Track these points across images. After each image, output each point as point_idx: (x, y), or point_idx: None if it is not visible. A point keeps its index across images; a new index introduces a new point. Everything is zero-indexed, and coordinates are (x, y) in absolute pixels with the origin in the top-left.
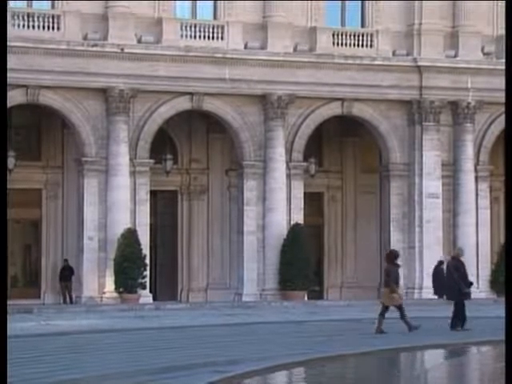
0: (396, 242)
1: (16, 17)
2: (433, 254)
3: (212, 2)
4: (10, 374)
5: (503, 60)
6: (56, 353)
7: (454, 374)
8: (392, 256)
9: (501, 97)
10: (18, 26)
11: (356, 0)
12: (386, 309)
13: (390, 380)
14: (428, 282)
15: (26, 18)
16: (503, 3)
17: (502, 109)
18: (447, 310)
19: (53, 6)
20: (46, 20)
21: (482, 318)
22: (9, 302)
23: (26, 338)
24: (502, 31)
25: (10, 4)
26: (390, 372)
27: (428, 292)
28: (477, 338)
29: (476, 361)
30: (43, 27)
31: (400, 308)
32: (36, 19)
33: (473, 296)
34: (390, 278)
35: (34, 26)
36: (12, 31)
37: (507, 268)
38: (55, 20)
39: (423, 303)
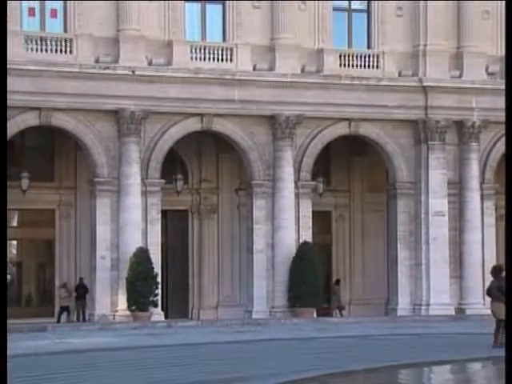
0: (403, 259)
1: (29, 40)
2: (439, 270)
3: (221, 25)
4: None
5: (501, 78)
6: (68, 371)
7: None
8: (497, 270)
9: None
10: (32, 49)
11: (363, 15)
12: (500, 322)
13: None
14: (435, 299)
15: (39, 41)
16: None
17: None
18: (458, 326)
19: (65, 30)
20: (58, 43)
21: (491, 334)
22: (23, 321)
23: (39, 356)
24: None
25: (24, 28)
26: None
27: (435, 308)
28: (486, 353)
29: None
30: (56, 50)
31: (500, 322)
32: (49, 43)
33: (478, 312)
34: (502, 291)
35: (46, 50)
36: (25, 54)
37: (507, 274)
38: (68, 43)
39: (432, 320)
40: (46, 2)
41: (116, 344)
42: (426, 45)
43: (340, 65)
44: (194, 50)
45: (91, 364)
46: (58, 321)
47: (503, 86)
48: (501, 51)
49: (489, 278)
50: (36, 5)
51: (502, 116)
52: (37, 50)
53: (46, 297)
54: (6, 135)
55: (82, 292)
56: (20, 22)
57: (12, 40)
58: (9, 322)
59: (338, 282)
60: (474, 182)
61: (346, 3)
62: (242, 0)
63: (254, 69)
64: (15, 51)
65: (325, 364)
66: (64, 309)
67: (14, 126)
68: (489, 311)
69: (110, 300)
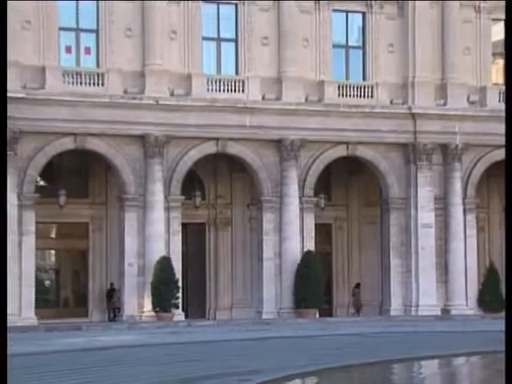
0: (395, 266)
1: (66, 75)
2: (427, 276)
3: (234, 60)
4: None
5: (487, 108)
6: (99, 365)
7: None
8: None
9: (485, 139)
10: (68, 82)
11: (358, 50)
12: None
13: None
14: (424, 301)
15: (75, 75)
16: (487, 57)
17: (486, 150)
18: (444, 325)
19: (98, 65)
20: (92, 77)
21: (473, 332)
22: (60, 321)
23: (75, 352)
24: (485, 82)
25: (62, 63)
26: (390, 379)
27: (423, 309)
28: (469, 349)
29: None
30: (90, 83)
31: None
32: (83, 76)
33: (462, 312)
34: None
35: (81, 83)
36: (63, 87)
37: (507, 274)
38: (100, 77)
39: (421, 319)
40: (81, 41)
41: (142, 341)
42: (414, 77)
43: (339, 95)
44: (210, 82)
45: (120, 359)
46: (112, 319)
47: (483, 113)
48: (480, 82)
49: (471, 282)
50: (72, 43)
51: (481, 139)
52: (73, 82)
53: (80, 299)
54: (6, 136)
55: (113, 296)
56: (58, 59)
57: (51, 74)
58: (48, 321)
59: (358, 285)
60: (457, 198)
61: (344, 40)
62: (252, 38)
63: (263, 98)
64: (54, 84)
65: (327, 359)
66: (115, 309)
67: (52, 149)
68: (471, 312)
69: (137, 302)
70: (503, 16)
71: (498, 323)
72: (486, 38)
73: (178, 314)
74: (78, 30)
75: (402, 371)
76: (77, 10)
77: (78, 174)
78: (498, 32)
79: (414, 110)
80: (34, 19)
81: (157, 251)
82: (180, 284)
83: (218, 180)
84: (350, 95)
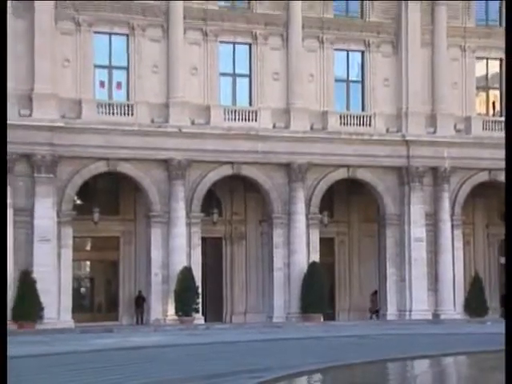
0: (391, 275)
1: (100, 106)
2: (419, 284)
3: (248, 93)
4: (88, 381)
5: (471, 135)
6: (131, 363)
7: (439, 379)
8: None
9: (470, 163)
10: (102, 113)
11: (357, 84)
12: None
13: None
14: (416, 307)
15: (107, 107)
16: (471, 91)
17: (471, 173)
18: (434, 328)
19: (128, 98)
20: (122, 108)
21: (460, 334)
22: (94, 324)
23: (107, 352)
24: (470, 113)
25: (96, 96)
26: (388, 376)
27: (416, 314)
28: (457, 349)
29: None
30: (121, 114)
31: None
32: (115, 108)
33: (450, 317)
34: None
35: (113, 113)
36: (97, 117)
37: (507, 275)
38: (129, 108)
39: (414, 323)
40: (113, 77)
41: (166, 342)
42: (407, 108)
43: (340, 123)
44: (226, 113)
45: (148, 358)
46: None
47: (468, 140)
48: (465, 113)
49: (458, 290)
50: (105, 79)
51: (467, 163)
52: (106, 113)
53: (112, 305)
54: (6, 138)
55: (141, 302)
56: (93, 92)
57: (87, 106)
58: (83, 324)
59: (375, 292)
60: (445, 215)
61: (345, 75)
62: (264, 74)
63: (274, 127)
64: (89, 115)
65: (331, 358)
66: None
67: (88, 172)
68: (458, 316)
69: (162, 307)
70: (486, 54)
71: (482, 326)
72: (471, 74)
73: (198, 318)
74: (110, 67)
75: (398, 369)
76: (110, 49)
77: (110, 193)
78: (481, 68)
79: (407, 138)
80: (72, 57)
81: (179, 262)
82: (200, 291)
83: (234, 199)
84: (350, 124)
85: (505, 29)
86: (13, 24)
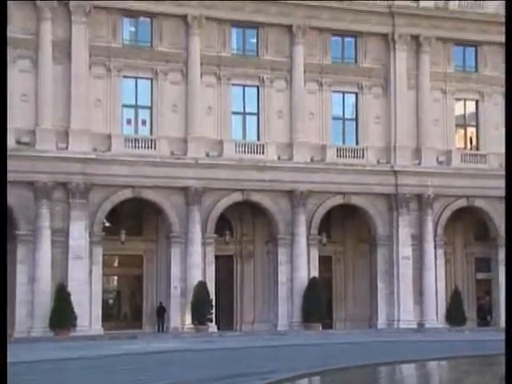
0: (381, 289)
1: (127, 140)
2: (406, 297)
3: (256, 129)
4: (119, 381)
5: (451, 166)
6: (152, 366)
7: (423, 381)
8: None
9: (450, 191)
10: (129, 146)
11: (352, 121)
12: None
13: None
14: (403, 317)
15: (133, 141)
16: (451, 128)
17: (451, 199)
18: (419, 335)
19: (151, 133)
20: (146, 142)
21: (442, 341)
22: (120, 331)
23: (131, 356)
24: (450, 147)
25: (124, 132)
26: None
27: (403, 323)
28: (440, 355)
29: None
30: (145, 147)
31: None
32: (140, 142)
33: (433, 326)
34: None
35: (138, 147)
36: (124, 150)
37: (507, 276)
38: (152, 142)
39: (401, 333)
40: (139, 115)
41: (184, 348)
42: (395, 142)
43: (337, 156)
44: (237, 146)
45: (168, 361)
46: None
47: (449, 171)
48: (446, 147)
49: (440, 303)
50: (132, 116)
51: (448, 191)
52: (132, 146)
53: (136, 314)
54: (6, 142)
55: (162, 312)
56: (121, 128)
57: (115, 140)
58: (111, 332)
59: None
60: (429, 237)
61: (341, 114)
62: (270, 112)
63: (279, 158)
64: (118, 148)
65: (329, 362)
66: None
67: (116, 198)
68: (440, 325)
69: (180, 317)
70: (463, 96)
71: (461, 335)
72: (451, 113)
73: (212, 327)
74: (136, 107)
75: (387, 371)
76: (136, 91)
77: (135, 217)
78: (460, 108)
79: (395, 168)
80: (103, 98)
81: (195, 277)
82: (213, 303)
83: (243, 222)
84: (345, 156)
85: (505, 31)
86: (53, 70)
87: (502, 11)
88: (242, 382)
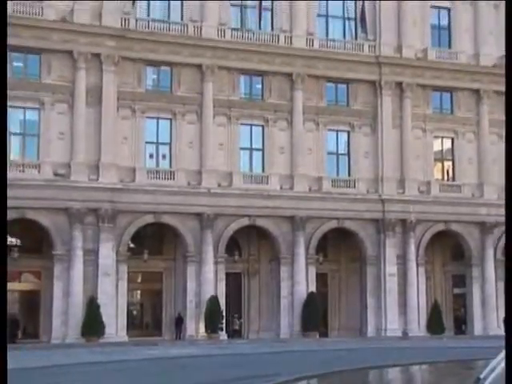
0: (370, 303)
1: (150, 173)
2: (392, 309)
3: (261, 163)
4: (142, 382)
5: (431, 195)
6: (170, 369)
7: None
8: None
9: (430, 217)
10: (151, 177)
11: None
12: None
13: None
14: (390, 326)
15: (155, 173)
16: (430, 162)
17: (430, 224)
18: (404, 343)
19: (170, 166)
20: (166, 174)
21: (423, 348)
22: (143, 338)
23: (152, 361)
24: (429, 178)
25: (146, 165)
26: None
27: (389, 332)
28: (421, 359)
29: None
30: (164, 178)
31: None
32: (160, 174)
33: (416, 334)
34: None
35: (159, 178)
36: (146, 181)
37: (507, 278)
38: (171, 174)
39: (387, 340)
40: (160, 150)
41: (198, 353)
42: (382, 174)
43: (332, 186)
44: (244, 177)
45: (185, 365)
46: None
47: (428, 199)
48: (426, 178)
49: (421, 314)
50: (153, 152)
51: (427, 217)
52: (154, 178)
53: (157, 324)
54: (6, 143)
55: (179, 322)
56: (144, 162)
57: (139, 172)
58: (135, 339)
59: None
60: (412, 256)
61: (335, 149)
62: (273, 148)
63: (281, 188)
64: (141, 179)
65: (325, 366)
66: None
67: (139, 222)
68: (422, 334)
69: (195, 326)
70: (440, 134)
71: (439, 342)
72: (430, 149)
73: (222, 335)
74: (157, 143)
75: (376, 374)
76: (157, 129)
77: (156, 239)
78: (438, 145)
79: (382, 197)
80: (129, 136)
81: (208, 292)
82: (224, 314)
83: (250, 243)
84: (339, 186)
85: (505, 32)
86: (86, 112)
87: (473, 61)
88: (248, 383)
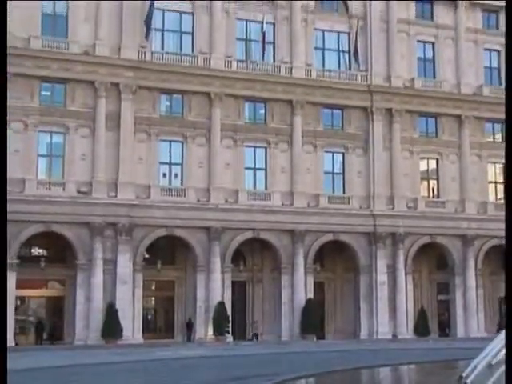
0: (363, 308)
1: (163, 190)
2: (383, 314)
3: (264, 181)
4: (155, 380)
5: (418, 210)
6: (181, 368)
7: (397, 380)
8: None
9: (417, 230)
10: (164, 194)
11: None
12: None
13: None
14: (381, 330)
15: (168, 190)
16: (417, 180)
17: (417, 237)
18: (394, 344)
19: (181, 184)
20: (178, 192)
21: (411, 349)
22: (156, 340)
23: (164, 361)
24: (416, 195)
25: (160, 183)
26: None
27: (381, 335)
28: (409, 359)
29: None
30: (176, 195)
31: None
32: (173, 191)
33: (404, 337)
34: None
35: (171, 195)
36: (160, 197)
37: (507, 278)
38: (182, 191)
39: (379, 342)
40: (172, 170)
41: (207, 354)
42: (374, 192)
43: (328, 202)
44: (249, 194)
45: (195, 365)
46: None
47: (415, 214)
48: (413, 195)
49: (409, 317)
50: (167, 171)
51: (414, 230)
52: (167, 195)
53: (169, 327)
54: (6, 144)
55: (190, 325)
56: (158, 181)
57: (154, 190)
58: (149, 341)
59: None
60: (401, 266)
61: (331, 169)
62: (275, 168)
63: (282, 204)
64: (155, 196)
65: (322, 366)
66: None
67: (153, 235)
68: (409, 336)
69: (204, 329)
70: (426, 156)
71: (426, 343)
72: (416, 169)
73: (229, 337)
74: (170, 164)
75: (371, 372)
76: (170, 151)
77: (168, 250)
78: (424, 165)
79: (374, 212)
80: (144, 157)
81: (216, 298)
82: (230, 319)
83: (254, 254)
84: (335, 203)
85: (505, 32)
86: (105, 136)
87: (455, 90)
88: (252, 382)
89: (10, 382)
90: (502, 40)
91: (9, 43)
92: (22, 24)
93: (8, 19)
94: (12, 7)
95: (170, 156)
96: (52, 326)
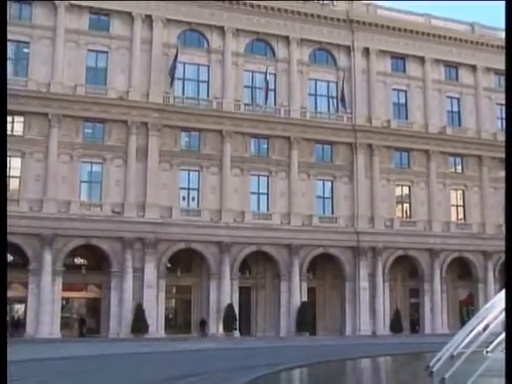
0: (348, 309)
1: (183, 211)
2: (364, 314)
3: (266, 204)
4: (177, 368)
5: (394, 228)
6: (197, 359)
7: (376, 368)
8: None
9: (393, 245)
10: (183, 214)
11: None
12: None
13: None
14: (363, 327)
15: (186, 211)
16: (393, 203)
17: (392, 250)
18: (373, 340)
19: (198, 206)
20: (195, 212)
21: (387, 343)
22: (176, 335)
23: (182, 353)
24: (392, 216)
25: (180, 205)
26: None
27: (363, 332)
28: (387, 352)
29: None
30: (193, 215)
31: None
32: (191, 212)
33: (382, 333)
34: None
35: (189, 215)
36: (180, 216)
37: (507, 279)
38: (199, 212)
39: (361, 338)
40: (190, 194)
41: (217, 347)
42: (357, 213)
43: (320, 221)
44: (254, 215)
45: (208, 357)
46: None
47: (392, 231)
48: (389, 215)
49: (386, 317)
50: (185, 195)
51: (391, 244)
52: (185, 215)
53: (187, 324)
54: (6, 144)
55: (203, 323)
56: (178, 202)
57: (174, 210)
58: (170, 335)
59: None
60: (379, 274)
61: (322, 194)
62: (275, 193)
63: (281, 223)
64: (176, 215)
65: (314, 357)
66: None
67: (174, 248)
68: (386, 333)
69: (215, 327)
70: (400, 183)
71: (399, 338)
72: (392, 194)
73: (236, 333)
74: (188, 189)
75: (352, 363)
76: (188, 178)
77: (186, 261)
78: (398, 191)
79: (357, 230)
80: (167, 183)
81: (225, 301)
82: (237, 318)
83: (258, 265)
84: (325, 222)
85: (505, 33)
86: (135, 165)
87: (424, 129)
88: (251, 372)
89: (57, 367)
90: (461, 89)
91: (59, 91)
92: (69, 75)
93: (58, 71)
94: (63, 61)
95: (189, 182)
96: (91, 322)
